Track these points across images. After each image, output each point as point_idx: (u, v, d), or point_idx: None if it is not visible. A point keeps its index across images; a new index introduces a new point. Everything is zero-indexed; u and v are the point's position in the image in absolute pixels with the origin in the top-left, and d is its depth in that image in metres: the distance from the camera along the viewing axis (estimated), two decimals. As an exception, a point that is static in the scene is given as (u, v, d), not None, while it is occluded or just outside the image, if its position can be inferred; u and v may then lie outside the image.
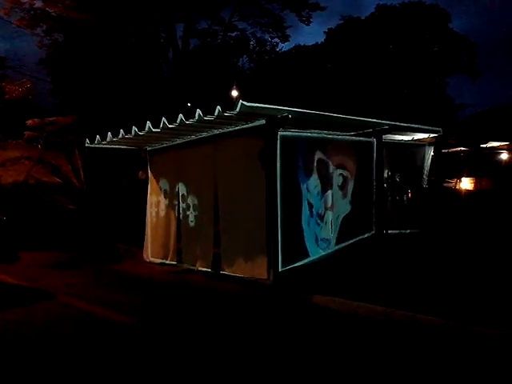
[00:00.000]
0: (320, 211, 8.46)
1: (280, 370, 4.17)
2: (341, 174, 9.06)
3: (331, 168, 8.82)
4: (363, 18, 29.08)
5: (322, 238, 8.46)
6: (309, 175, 8.24)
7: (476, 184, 14.70)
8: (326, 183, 8.65)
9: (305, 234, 8.05)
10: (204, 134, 8.38)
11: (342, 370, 4.13)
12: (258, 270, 7.41)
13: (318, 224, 8.38)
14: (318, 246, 8.31)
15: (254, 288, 7.14)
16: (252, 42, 28.52)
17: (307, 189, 8.16)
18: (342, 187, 9.12)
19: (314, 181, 8.33)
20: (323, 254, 8.31)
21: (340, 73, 27.16)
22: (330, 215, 8.70)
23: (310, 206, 8.20)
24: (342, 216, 9.13)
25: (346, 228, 9.15)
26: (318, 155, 8.49)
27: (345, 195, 9.23)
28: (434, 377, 3.96)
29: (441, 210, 10.62)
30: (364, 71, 26.58)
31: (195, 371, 4.21)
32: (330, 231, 8.71)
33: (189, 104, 20.45)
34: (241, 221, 7.87)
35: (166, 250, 9.62)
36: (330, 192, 8.73)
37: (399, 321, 5.28)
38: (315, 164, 8.41)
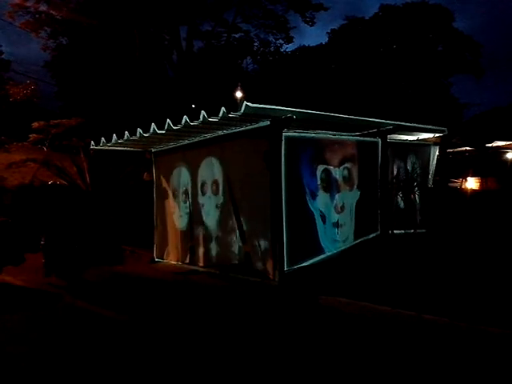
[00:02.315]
0: (326, 211, 8.43)
1: (278, 369, 4.17)
2: (346, 174, 9.03)
3: (336, 168, 8.79)
4: (367, 18, 29.08)
5: (328, 238, 8.44)
6: (314, 176, 8.22)
7: (481, 184, 14.64)
8: (331, 184, 8.62)
9: (311, 234, 8.04)
10: (209, 136, 8.40)
11: (347, 371, 4.12)
12: (264, 270, 7.41)
13: (324, 224, 8.36)
14: (324, 246, 8.29)
15: (260, 288, 7.13)
16: (256, 44, 28.61)
17: (313, 189, 8.15)
18: (348, 187, 9.09)
19: (319, 181, 8.31)
20: (329, 254, 8.28)
21: (344, 73, 27.14)
22: (335, 216, 8.67)
23: (316, 206, 8.19)
24: (348, 217, 9.09)
25: (353, 229, 9.12)
26: (323, 155, 8.47)
27: (351, 196, 9.19)
28: (441, 376, 3.95)
29: (446, 210, 10.58)
30: (368, 71, 26.53)
31: (198, 370, 4.22)
32: (336, 231, 8.69)
33: (193, 105, 20.51)
34: (247, 222, 7.88)
35: (171, 250, 9.66)
36: (335, 193, 8.70)
37: (405, 321, 5.26)
38: (320, 164, 8.39)
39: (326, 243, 8.37)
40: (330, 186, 8.58)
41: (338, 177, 8.75)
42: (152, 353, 4.63)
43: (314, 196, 8.15)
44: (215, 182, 8.58)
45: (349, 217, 9.09)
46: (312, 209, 8.08)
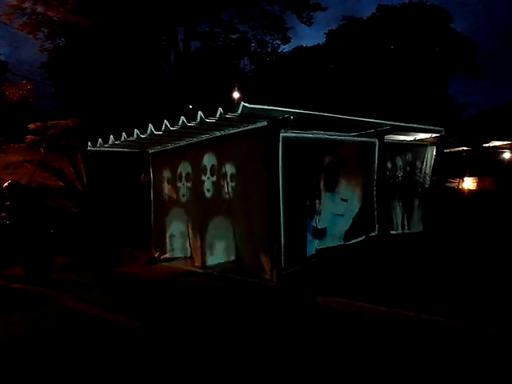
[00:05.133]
0: (324, 211, 8.45)
1: (280, 369, 4.17)
2: (343, 175, 9.04)
3: (333, 168, 8.80)
4: (364, 18, 29.12)
5: (326, 239, 8.46)
6: (311, 176, 8.23)
7: (478, 184, 14.68)
8: (329, 183, 8.64)
9: (309, 235, 8.05)
10: (206, 136, 8.40)
11: (346, 371, 4.12)
12: (262, 271, 7.41)
13: (322, 224, 8.38)
14: (322, 246, 8.30)
15: (258, 289, 7.12)
16: (253, 44, 28.62)
17: (311, 189, 8.16)
18: (346, 186, 9.11)
19: (316, 181, 8.33)
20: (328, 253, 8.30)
21: (342, 74, 27.17)
22: (333, 216, 8.68)
23: (313, 206, 8.20)
24: (346, 216, 9.11)
25: (350, 228, 9.14)
26: (320, 156, 8.49)
27: (347, 196, 9.21)
28: (438, 376, 3.95)
29: (443, 211, 10.60)
30: (366, 72, 26.57)
31: (199, 372, 4.21)
32: (334, 231, 8.70)
33: (190, 106, 20.51)
34: (245, 222, 7.87)
35: (169, 252, 9.66)
36: (333, 192, 8.72)
37: (403, 321, 5.27)
38: (317, 165, 8.41)
39: (324, 243, 8.38)
40: (328, 185, 8.59)
41: (335, 177, 8.76)
42: (151, 353, 4.63)
43: (311, 196, 8.16)
44: (213, 183, 8.57)
45: (346, 217, 9.10)
46: (309, 209, 8.08)
